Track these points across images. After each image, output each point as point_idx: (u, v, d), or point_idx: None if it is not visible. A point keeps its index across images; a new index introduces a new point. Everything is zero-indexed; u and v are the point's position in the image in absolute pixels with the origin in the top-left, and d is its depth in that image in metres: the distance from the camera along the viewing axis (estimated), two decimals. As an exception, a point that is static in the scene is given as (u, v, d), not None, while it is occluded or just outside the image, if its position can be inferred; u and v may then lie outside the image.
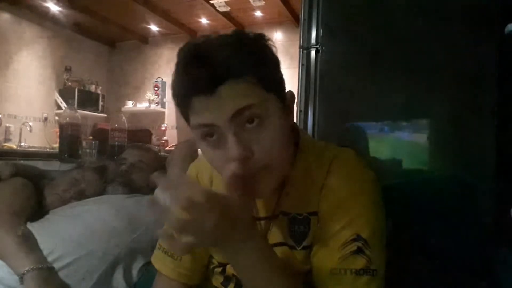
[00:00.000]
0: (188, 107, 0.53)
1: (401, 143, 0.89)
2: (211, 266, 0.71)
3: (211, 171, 0.72)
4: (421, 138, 0.88)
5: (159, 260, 0.72)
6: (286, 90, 0.59)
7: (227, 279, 0.68)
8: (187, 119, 0.55)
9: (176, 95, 0.55)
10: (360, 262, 0.54)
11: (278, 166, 0.55)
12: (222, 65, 0.49)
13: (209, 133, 0.53)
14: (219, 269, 0.69)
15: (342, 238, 0.56)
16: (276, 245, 0.62)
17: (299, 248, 0.61)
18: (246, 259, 0.52)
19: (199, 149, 1.21)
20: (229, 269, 0.67)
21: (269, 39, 0.56)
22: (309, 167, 0.62)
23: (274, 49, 0.56)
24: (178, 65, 0.53)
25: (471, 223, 0.81)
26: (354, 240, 0.55)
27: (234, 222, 0.48)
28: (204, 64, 0.49)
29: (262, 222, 0.65)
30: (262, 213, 0.65)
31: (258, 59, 0.52)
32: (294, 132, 0.65)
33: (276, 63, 0.57)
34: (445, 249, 0.82)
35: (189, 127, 0.56)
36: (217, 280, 0.70)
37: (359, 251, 0.55)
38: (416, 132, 0.89)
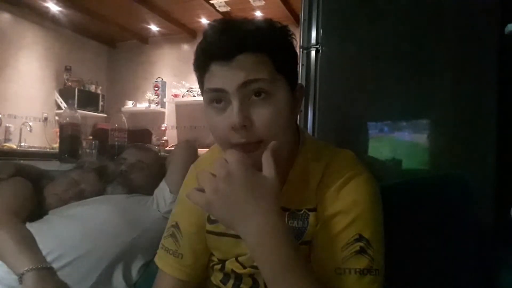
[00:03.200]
0: (205, 71, 0.57)
1: (401, 143, 0.89)
2: (211, 264, 0.72)
3: (211, 171, 0.72)
4: (421, 138, 0.88)
5: (161, 258, 0.73)
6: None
7: (226, 276, 0.69)
8: (200, 84, 0.60)
9: (197, 59, 0.59)
10: (363, 262, 0.55)
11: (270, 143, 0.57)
12: (243, 36, 0.54)
13: (217, 98, 0.56)
14: (219, 266, 0.69)
15: (344, 238, 0.56)
16: None
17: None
18: (265, 237, 0.50)
19: (198, 149, 1.22)
20: (229, 265, 0.68)
21: (292, 33, 0.60)
22: (307, 165, 0.63)
23: (294, 42, 0.61)
24: (204, 33, 0.57)
25: (471, 223, 0.81)
26: (357, 240, 0.56)
27: (255, 195, 0.50)
28: (227, 33, 0.54)
29: None
30: None
31: (277, 42, 0.57)
32: (297, 130, 0.67)
33: (292, 53, 0.60)
34: (445, 249, 0.82)
35: (202, 92, 0.60)
36: (217, 277, 0.71)
37: (362, 251, 0.55)
38: (416, 132, 0.89)
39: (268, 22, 0.58)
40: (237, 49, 0.54)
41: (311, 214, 0.62)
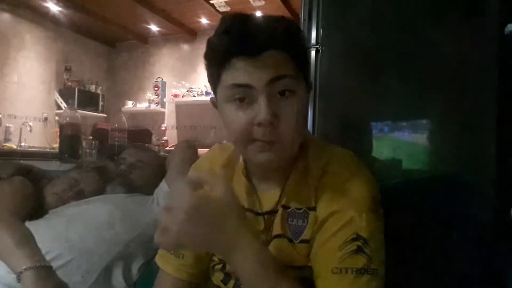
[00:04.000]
0: (224, 66, 0.55)
1: (401, 143, 0.89)
2: (212, 264, 0.72)
3: (211, 171, 0.73)
4: (421, 138, 0.88)
5: (161, 258, 0.73)
6: None
7: (227, 276, 0.69)
8: (216, 79, 0.58)
9: (212, 53, 0.57)
10: (360, 261, 0.54)
11: (289, 144, 0.57)
12: (272, 33, 0.54)
13: (241, 94, 0.55)
14: (219, 266, 0.69)
15: (342, 237, 0.56)
16: (276, 236, 0.63)
17: (296, 242, 0.62)
18: (240, 258, 0.52)
19: (198, 149, 1.22)
20: (229, 266, 0.68)
21: (302, 31, 0.64)
22: (308, 164, 0.64)
23: (303, 32, 0.64)
24: (222, 25, 0.57)
25: (471, 223, 0.81)
26: (354, 239, 0.55)
27: (220, 223, 0.50)
28: (255, 29, 0.54)
29: (266, 216, 0.65)
30: (266, 208, 0.66)
31: (298, 42, 0.58)
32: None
33: (307, 51, 0.63)
34: (445, 249, 0.82)
35: (215, 87, 0.59)
36: (217, 277, 0.71)
37: (359, 250, 0.55)
38: (416, 132, 0.89)
39: (289, 21, 0.58)
40: (265, 46, 0.53)
41: (311, 213, 0.62)
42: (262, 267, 0.52)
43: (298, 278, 0.56)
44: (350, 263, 0.54)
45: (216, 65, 0.57)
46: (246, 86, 0.54)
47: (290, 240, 0.62)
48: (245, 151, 0.59)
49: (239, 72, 0.54)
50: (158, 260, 0.73)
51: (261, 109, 0.53)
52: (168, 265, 0.71)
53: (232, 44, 0.54)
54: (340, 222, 0.57)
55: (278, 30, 0.55)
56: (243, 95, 0.55)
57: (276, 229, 0.64)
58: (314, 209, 0.62)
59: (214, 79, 0.59)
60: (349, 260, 0.55)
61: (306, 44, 0.64)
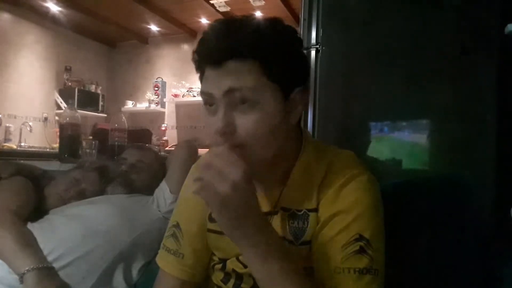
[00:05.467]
0: (202, 74, 0.59)
1: (401, 143, 0.89)
2: (212, 263, 0.72)
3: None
4: (421, 138, 0.88)
5: (162, 258, 0.73)
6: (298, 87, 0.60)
7: (227, 276, 0.69)
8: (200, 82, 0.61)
9: (194, 62, 0.60)
10: (363, 261, 0.55)
11: (254, 152, 0.56)
12: (234, 42, 0.54)
13: (209, 102, 0.57)
14: (220, 266, 0.70)
15: (344, 238, 0.57)
16: None
17: (297, 244, 0.62)
18: (257, 250, 0.53)
19: (198, 149, 1.22)
20: (229, 265, 0.68)
21: (295, 36, 0.60)
22: (309, 166, 0.64)
23: (291, 36, 0.59)
24: (202, 35, 0.58)
25: (471, 223, 0.81)
26: (357, 240, 0.56)
27: (246, 210, 0.51)
28: (219, 38, 0.55)
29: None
30: (263, 208, 0.65)
31: (272, 48, 0.55)
32: (299, 132, 0.67)
33: (291, 57, 0.58)
34: (445, 249, 0.82)
35: None
36: (217, 277, 0.71)
37: (361, 250, 0.55)
38: (416, 132, 0.89)
39: (268, 25, 0.56)
40: (227, 55, 0.54)
41: (311, 214, 0.62)
42: (284, 268, 0.53)
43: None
44: (353, 263, 0.55)
45: (198, 72, 0.60)
46: (209, 95, 0.56)
47: (291, 242, 0.62)
48: None
49: (206, 80, 0.57)
50: (158, 260, 0.74)
51: (218, 119, 0.54)
52: (168, 265, 0.71)
53: (201, 53, 0.57)
54: (343, 223, 0.57)
55: (242, 37, 0.54)
56: (210, 102, 0.57)
57: (276, 231, 0.63)
58: (315, 210, 0.62)
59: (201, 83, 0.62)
60: (351, 260, 0.55)
61: (287, 48, 0.57)
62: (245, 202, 0.50)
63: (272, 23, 0.57)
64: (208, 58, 0.56)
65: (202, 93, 0.57)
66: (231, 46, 0.53)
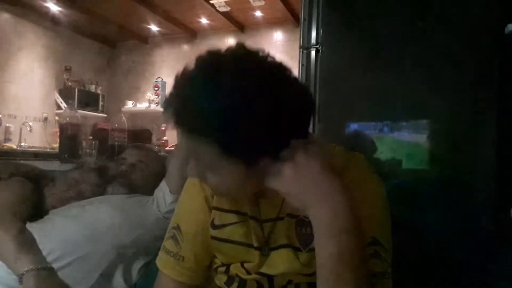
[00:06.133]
0: None
1: (401, 143, 0.89)
2: (214, 266, 0.71)
3: None
4: (421, 138, 0.88)
5: (161, 260, 0.72)
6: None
7: (231, 279, 0.68)
8: None
9: None
10: (378, 265, 0.55)
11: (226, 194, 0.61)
12: (185, 122, 0.49)
13: None
14: (223, 269, 0.69)
15: None
16: (280, 247, 0.63)
17: (305, 250, 0.61)
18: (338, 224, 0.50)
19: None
20: (233, 270, 0.67)
21: (258, 66, 0.49)
22: None
23: (261, 85, 0.47)
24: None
25: (471, 223, 0.81)
26: (371, 243, 0.56)
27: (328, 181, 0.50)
28: (175, 113, 0.49)
29: (268, 224, 0.64)
30: (267, 215, 0.65)
31: (225, 124, 0.47)
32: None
33: (254, 119, 0.47)
34: (445, 249, 0.82)
35: None
36: (220, 279, 0.70)
37: (376, 254, 0.55)
38: (416, 132, 0.88)
39: (211, 86, 0.47)
40: (184, 130, 0.50)
41: None
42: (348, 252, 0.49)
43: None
44: (370, 267, 0.54)
45: None
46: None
47: (297, 249, 0.62)
48: None
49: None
50: (158, 262, 0.73)
51: (188, 169, 0.56)
52: (168, 268, 0.70)
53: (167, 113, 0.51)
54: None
55: (196, 115, 0.47)
56: None
57: (281, 238, 0.63)
58: None
59: None
60: (368, 264, 0.54)
61: (248, 113, 0.46)
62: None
63: (217, 82, 0.46)
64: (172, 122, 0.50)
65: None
66: (186, 124, 0.49)
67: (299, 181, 0.50)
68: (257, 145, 0.49)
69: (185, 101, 0.48)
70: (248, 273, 0.65)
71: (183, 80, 0.50)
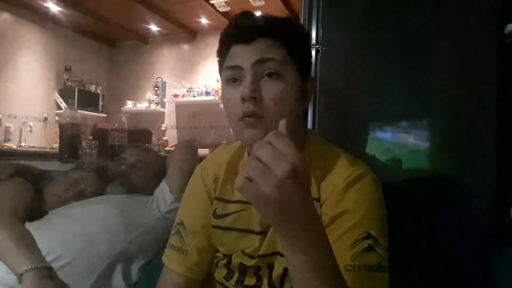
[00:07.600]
0: (226, 53, 0.64)
1: (401, 143, 0.89)
2: (216, 260, 0.73)
3: (216, 171, 0.74)
4: (421, 138, 0.88)
5: (166, 255, 0.74)
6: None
7: (230, 272, 0.70)
8: (221, 66, 0.66)
9: (220, 44, 0.67)
10: (372, 259, 0.56)
11: (272, 125, 0.51)
12: (262, 22, 0.62)
13: (233, 76, 0.62)
14: (224, 261, 0.71)
15: (353, 236, 0.57)
16: (279, 253, 0.65)
17: None
18: (304, 257, 0.44)
19: (198, 149, 1.22)
20: (235, 259, 0.69)
21: (307, 33, 0.73)
22: (311, 159, 0.65)
23: (306, 32, 0.71)
24: (231, 20, 0.65)
25: (471, 223, 0.81)
26: (365, 238, 0.57)
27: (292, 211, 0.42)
28: (249, 19, 0.63)
29: (270, 230, 0.66)
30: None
31: (292, 33, 0.64)
32: (303, 127, 0.71)
33: (305, 47, 0.68)
34: (445, 250, 0.82)
35: (221, 75, 0.66)
36: (220, 273, 0.72)
37: (370, 248, 0.56)
38: (416, 132, 0.88)
39: (287, 18, 0.66)
40: (256, 33, 0.61)
41: (315, 204, 0.62)
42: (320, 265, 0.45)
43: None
44: (363, 261, 0.56)
45: (221, 55, 0.66)
46: (236, 67, 0.61)
47: None
48: (236, 129, 0.62)
49: (233, 56, 0.62)
50: (163, 258, 0.75)
51: (245, 86, 0.59)
52: (172, 262, 0.72)
53: (232, 33, 0.64)
54: (351, 221, 0.58)
55: (271, 21, 0.63)
56: (235, 76, 0.61)
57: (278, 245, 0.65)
58: (317, 200, 0.63)
59: (220, 67, 0.66)
60: (361, 258, 0.56)
61: (304, 37, 0.68)
62: (291, 203, 0.41)
63: (291, 18, 0.67)
64: (239, 36, 0.62)
65: (228, 67, 0.62)
66: (261, 26, 0.62)
67: (280, 205, 0.41)
68: (307, 59, 0.68)
69: (264, 16, 0.64)
70: (252, 257, 0.67)
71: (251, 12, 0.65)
